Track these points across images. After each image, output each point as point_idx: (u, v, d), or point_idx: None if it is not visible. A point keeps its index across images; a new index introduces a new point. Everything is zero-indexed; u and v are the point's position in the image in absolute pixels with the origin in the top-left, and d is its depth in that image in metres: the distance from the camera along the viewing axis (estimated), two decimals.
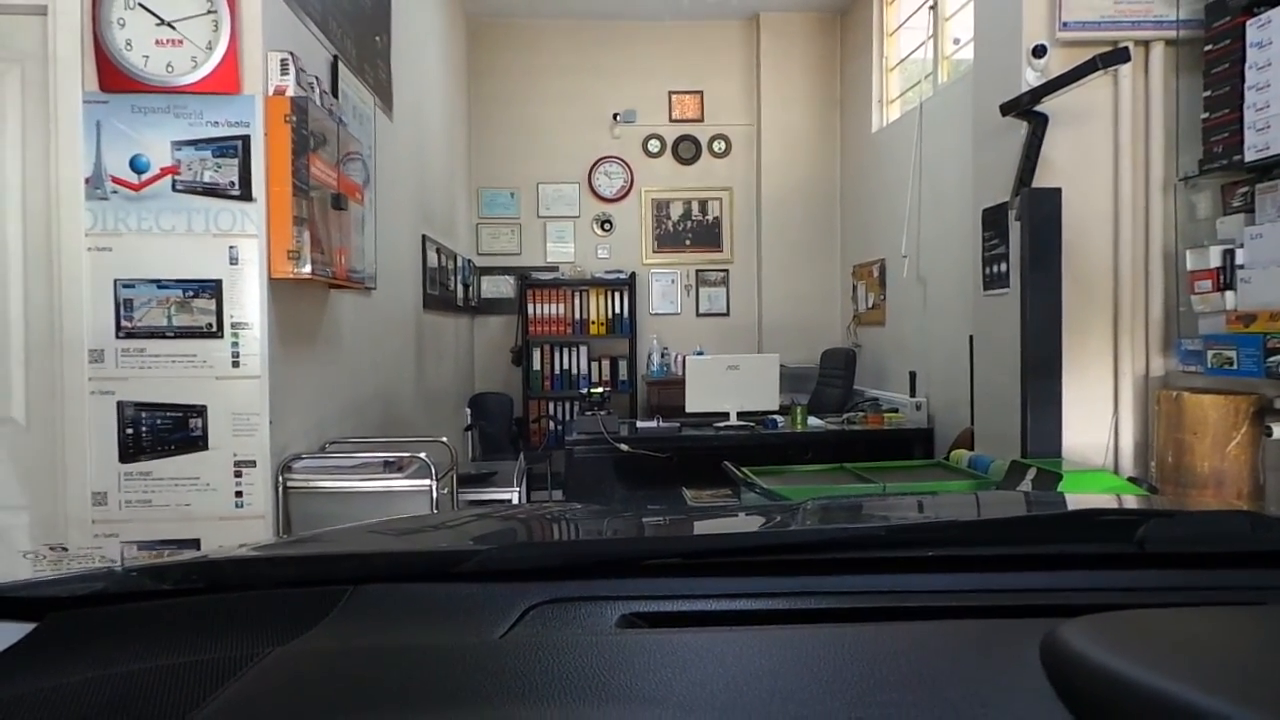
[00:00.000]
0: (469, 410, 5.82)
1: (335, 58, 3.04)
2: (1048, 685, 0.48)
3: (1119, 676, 0.43)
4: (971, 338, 3.82)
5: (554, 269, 6.74)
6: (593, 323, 6.58)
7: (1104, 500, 1.35)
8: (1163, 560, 0.73)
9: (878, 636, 0.58)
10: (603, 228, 6.87)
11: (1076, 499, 1.61)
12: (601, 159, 6.84)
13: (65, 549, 2.32)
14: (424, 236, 4.74)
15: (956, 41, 5.20)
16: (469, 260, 6.47)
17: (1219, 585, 0.70)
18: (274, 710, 0.50)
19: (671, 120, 6.89)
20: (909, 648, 0.55)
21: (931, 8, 5.30)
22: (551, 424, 6.58)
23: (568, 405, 6.56)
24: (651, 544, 0.88)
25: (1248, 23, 2.59)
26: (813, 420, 4.69)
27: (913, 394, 5.24)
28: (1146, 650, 0.46)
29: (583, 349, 6.60)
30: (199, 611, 0.66)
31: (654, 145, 6.87)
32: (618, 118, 6.76)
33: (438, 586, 0.68)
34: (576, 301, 6.59)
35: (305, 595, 0.67)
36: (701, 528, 1.07)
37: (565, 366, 6.58)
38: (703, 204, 6.92)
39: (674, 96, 6.87)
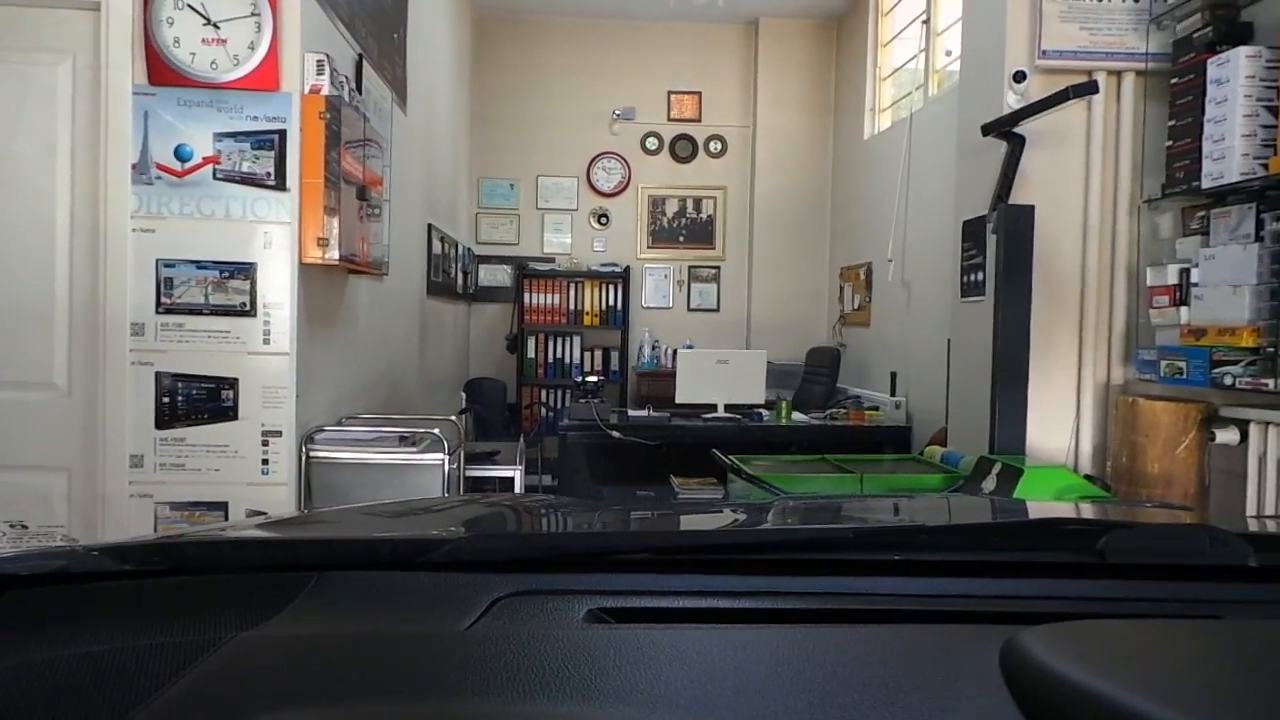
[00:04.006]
0: (464, 394, 6.01)
1: (360, 56, 3.22)
2: (1006, 692, 0.48)
3: (1077, 686, 0.44)
4: (949, 341, 4.05)
5: (550, 260, 6.93)
6: (587, 314, 6.78)
7: (1067, 509, 1.40)
8: (1123, 571, 0.73)
9: (841, 638, 0.58)
10: (599, 221, 7.06)
11: (1040, 507, 1.67)
12: (600, 154, 7.02)
13: (25, 526, 2.46)
14: (430, 225, 4.92)
15: (949, 53, 5.40)
16: (468, 249, 6.65)
17: (1177, 598, 0.71)
18: (236, 697, 0.50)
19: (670, 119, 7.08)
20: (871, 650, 0.56)
21: (924, 22, 5.51)
22: (544, 410, 6.77)
23: (560, 393, 6.76)
24: (620, 539, 0.89)
25: (1209, 60, 2.81)
26: (797, 415, 4.91)
27: (893, 393, 5.46)
28: (1105, 660, 0.47)
29: (576, 339, 6.79)
30: (161, 594, 0.66)
31: (652, 143, 7.06)
32: (617, 115, 6.94)
33: (404, 575, 0.68)
34: (572, 292, 6.78)
35: (270, 581, 0.67)
36: (671, 524, 1.08)
37: (559, 355, 6.78)
38: (697, 202, 7.12)
39: (673, 96, 7.06)
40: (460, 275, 6.23)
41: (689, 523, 1.09)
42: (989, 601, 0.69)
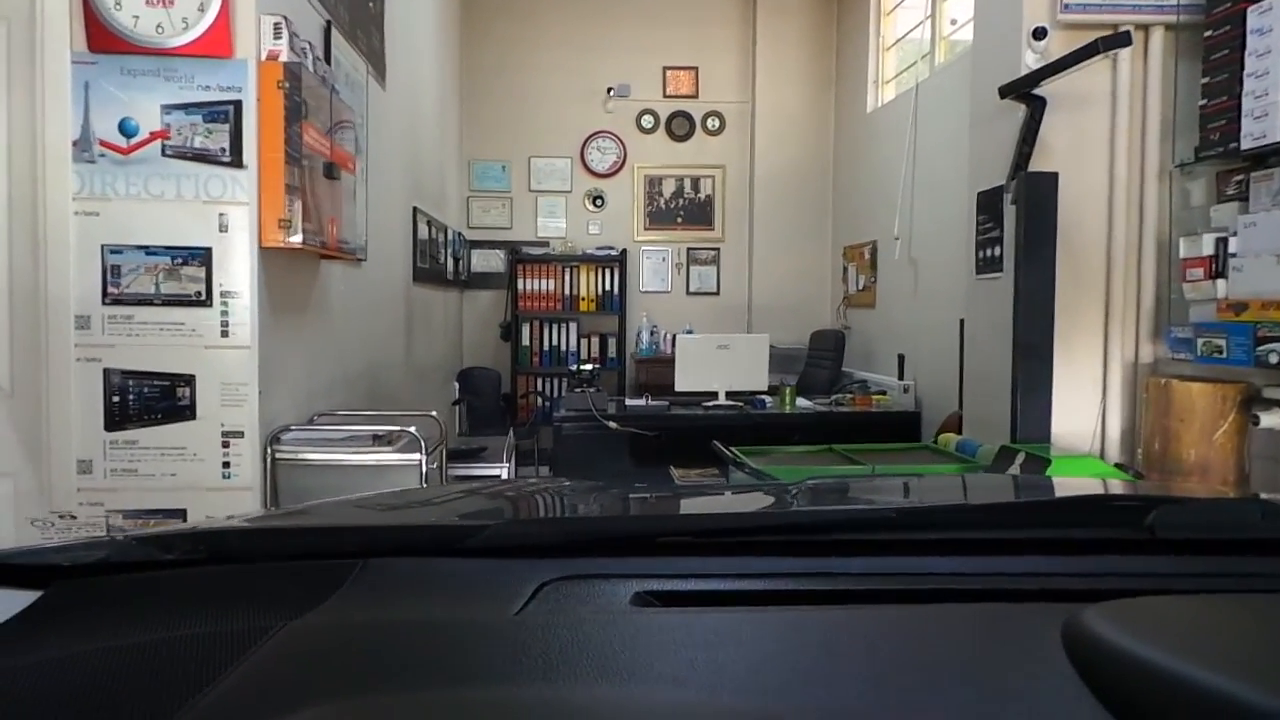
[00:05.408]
0: (457, 384, 5.80)
1: (328, 23, 2.99)
2: (1071, 670, 0.48)
3: (1148, 663, 0.44)
4: (962, 321, 3.83)
5: (545, 244, 6.71)
6: (582, 299, 6.56)
7: (1112, 486, 1.36)
8: (1173, 546, 0.72)
9: (894, 618, 0.57)
10: (594, 203, 6.84)
11: (1077, 483, 1.63)
12: (594, 134, 6.78)
13: (74, 517, 2.30)
14: (415, 208, 4.70)
15: (954, 22, 5.17)
16: (459, 233, 6.43)
17: (1231, 572, 0.70)
18: (295, 684, 0.49)
19: (666, 96, 6.83)
20: (926, 630, 0.55)
21: None
22: (540, 400, 6.57)
23: (556, 381, 6.55)
24: (664, 522, 0.88)
25: (1249, 9, 2.58)
26: (801, 401, 4.70)
27: (901, 377, 5.26)
28: (1174, 637, 0.46)
29: (572, 325, 6.58)
30: (206, 583, 0.66)
31: (648, 121, 6.82)
32: (611, 92, 6.70)
33: (447, 561, 0.68)
34: (567, 277, 6.56)
35: (314, 568, 0.66)
36: (712, 506, 1.07)
37: (554, 343, 6.56)
38: (695, 181, 6.88)
39: (669, 72, 6.82)
40: (450, 261, 6.01)
41: (730, 505, 1.08)
42: (1038, 579, 0.68)
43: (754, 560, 0.70)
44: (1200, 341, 2.70)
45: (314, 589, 0.62)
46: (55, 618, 0.60)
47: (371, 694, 0.47)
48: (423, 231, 4.92)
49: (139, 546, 0.69)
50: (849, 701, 0.46)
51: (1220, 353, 2.63)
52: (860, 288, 6.12)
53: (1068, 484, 1.56)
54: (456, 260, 6.27)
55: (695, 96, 6.84)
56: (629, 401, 4.69)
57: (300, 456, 2.42)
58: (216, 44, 2.29)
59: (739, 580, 0.67)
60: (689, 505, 1.07)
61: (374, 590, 0.63)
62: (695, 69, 6.82)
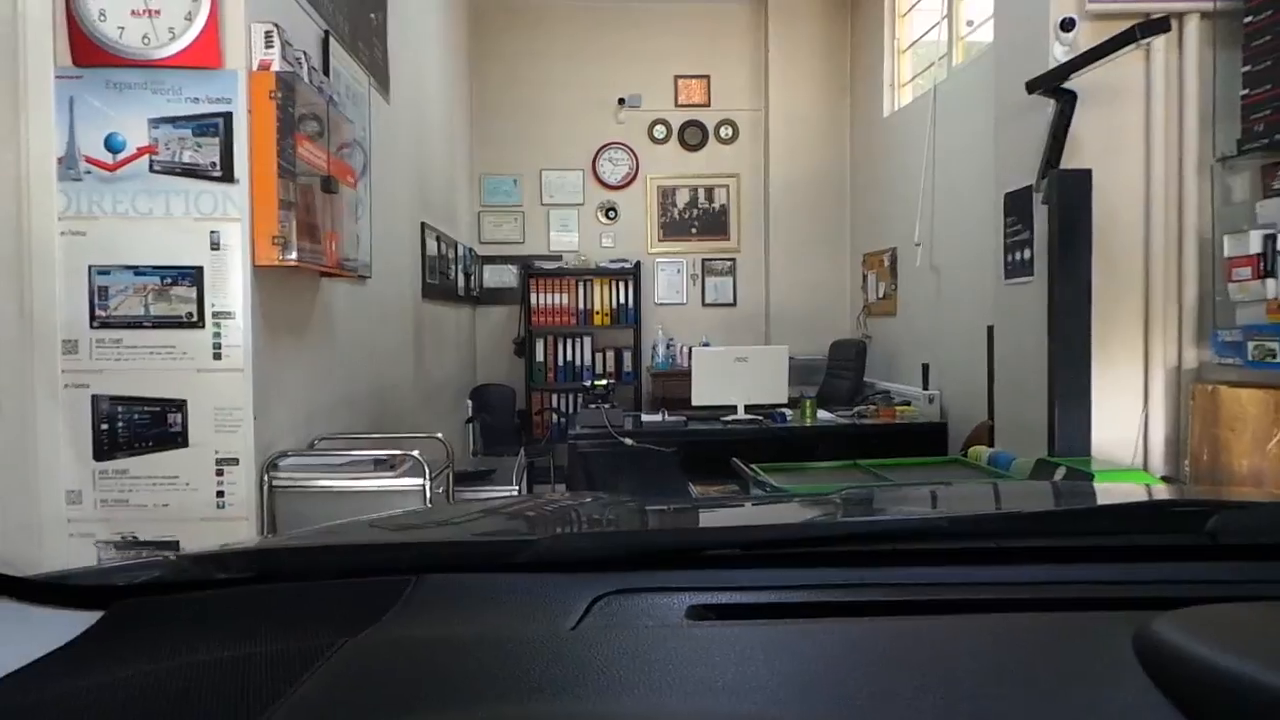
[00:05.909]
0: (470, 402, 5.69)
1: (326, 33, 2.89)
2: (1147, 680, 0.47)
3: (1228, 671, 0.43)
4: (990, 328, 3.68)
5: (558, 258, 6.60)
6: (597, 313, 6.45)
7: (1168, 491, 1.34)
8: (1235, 552, 0.71)
9: (956, 629, 0.56)
10: (607, 216, 6.73)
11: (1127, 490, 1.56)
12: (606, 145, 6.69)
13: (136, 539, 2.25)
14: (423, 224, 4.60)
15: (970, 23, 5.04)
16: (470, 249, 6.33)
17: None
18: (356, 704, 0.49)
19: (678, 105, 6.73)
20: (993, 641, 0.54)
21: None
22: (555, 416, 6.45)
23: (571, 397, 6.43)
24: (715, 534, 0.88)
25: None
26: (822, 413, 4.56)
27: (925, 386, 5.10)
28: (1252, 644, 0.45)
29: (587, 340, 6.46)
30: (263, 601, 0.66)
31: (660, 131, 6.71)
32: (623, 103, 6.60)
33: (499, 577, 0.68)
34: (580, 291, 6.45)
35: (368, 586, 0.66)
36: (759, 517, 1.07)
37: (569, 358, 6.45)
38: (709, 191, 6.76)
39: (680, 81, 6.71)
40: (462, 277, 5.91)
41: (772, 516, 1.07)
42: (1099, 588, 0.66)
43: (804, 572, 0.69)
44: (1251, 345, 2.54)
45: (369, 606, 0.62)
46: (117, 638, 0.61)
47: (444, 709, 0.47)
48: (431, 247, 4.82)
49: (195, 566, 0.72)
50: (918, 715, 0.45)
51: (1273, 356, 2.47)
52: (881, 296, 5.97)
53: (1117, 491, 1.48)
54: (468, 276, 6.17)
55: (707, 105, 6.73)
56: (645, 417, 4.56)
57: (298, 483, 2.30)
58: (205, 54, 2.19)
59: (791, 592, 0.66)
60: (736, 517, 1.08)
61: (429, 606, 0.63)
62: (707, 77, 6.72)
